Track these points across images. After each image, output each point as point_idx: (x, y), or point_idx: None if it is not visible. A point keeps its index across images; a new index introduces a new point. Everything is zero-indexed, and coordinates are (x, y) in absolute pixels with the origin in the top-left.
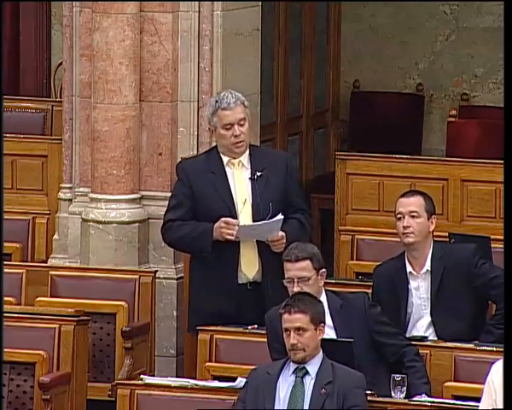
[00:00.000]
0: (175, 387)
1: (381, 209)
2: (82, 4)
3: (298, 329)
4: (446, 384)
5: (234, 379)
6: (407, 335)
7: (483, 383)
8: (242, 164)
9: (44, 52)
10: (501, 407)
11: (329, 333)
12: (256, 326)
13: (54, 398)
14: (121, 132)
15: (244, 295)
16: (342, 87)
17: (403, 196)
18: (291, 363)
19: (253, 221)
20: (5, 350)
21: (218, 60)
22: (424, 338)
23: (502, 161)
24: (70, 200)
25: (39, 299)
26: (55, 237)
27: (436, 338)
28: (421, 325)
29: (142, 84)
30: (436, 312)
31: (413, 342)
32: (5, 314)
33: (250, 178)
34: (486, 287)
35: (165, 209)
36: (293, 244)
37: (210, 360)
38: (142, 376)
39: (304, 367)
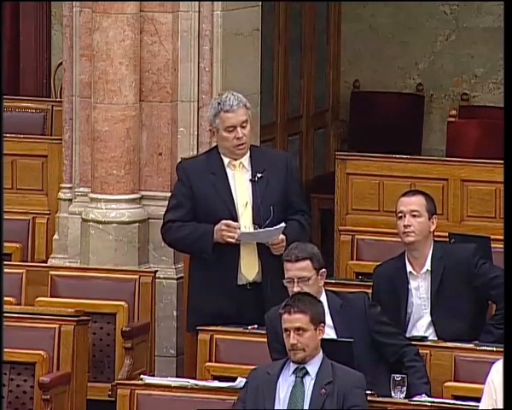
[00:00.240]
0: (175, 387)
1: (381, 209)
2: (82, 4)
3: (298, 329)
4: (446, 384)
5: (234, 379)
6: (407, 335)
7: (483, 383)
8: (243, 165)
9: (44, 52)
10: (501, 407)
11: (329, 333)
12: (256, 326)
13: (54, 398)
14: (121, 132)
15: (244, 296)
16: (342, 87)
17: (404, 195)
18: (291, 363)
19: (254, 223)
20: (5, 350)
21: (218, 60)
22: (424, 338)
23: (502, 161)
24: (70, 200)
25: (39, 299)
26: (55, 237)
27: (436, 338)
28: (421, 324)
29: (142, 84)
30: (436, 312)
31: (413, 342)
32: (5, 314)
33: (251, 180)
34: (486, 287)
35: (165, 209)
36: (293, 244)
37: (210, 360)
38: (142, 376)
39: (304, 367)
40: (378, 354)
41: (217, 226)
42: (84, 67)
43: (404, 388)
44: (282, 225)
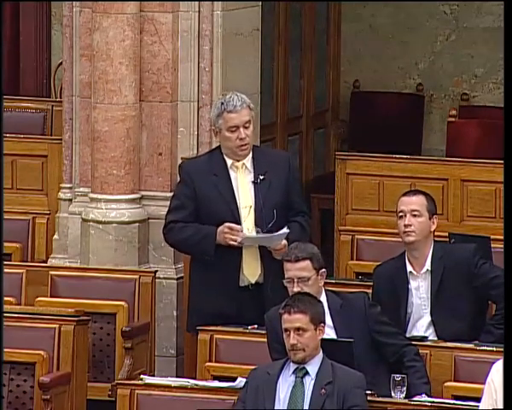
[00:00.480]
0: (175, 387)
1: (381, 209)
2: (82, 4)
3: (298, 329)
4: (446, 384)
5: (234, 379)
6: (407, 335)
7: (483, 383)
8: (246, 167)
9: (44, 52)
10: (501, 406)
11: (329, 333)
12: (256, 326)
13: (54, 398)
14: (121, 132)
15: (245, 297)
16: (342, 87)
17: (405, 194)
18: (291, 363)
19: (256, 226)
20: (5, 350)
21: (218, 60)
22: (424, 338)
23: (502, 161)
24: (70, 200)
25: (39, 299)
26: (55, 237)
27: (436, 338)
28: (421, 324)
29: (142, 84)
30: (436, 312)
31: (413, 342)
32: (5, 314)
33: (253, 182)
34: (486, 287)
35: (165, 209)
36: (293, 244)
37: (210, 360)
38: (142, 376)
39: (304, 367)
40: (378, 354)
41: (219, 229)
42: (84, 67)
43: (404, 388)
44: (286, 230)
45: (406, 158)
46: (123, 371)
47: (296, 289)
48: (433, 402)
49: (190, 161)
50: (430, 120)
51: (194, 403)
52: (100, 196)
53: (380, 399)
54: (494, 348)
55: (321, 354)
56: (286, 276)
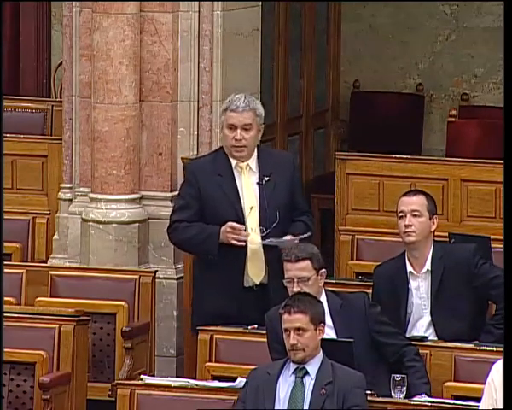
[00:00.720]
0: (175, 387)
1: (381, 209)
2: (82, 4)
3: (298, 329)
4: (446, 384)
5: (234, 379)
6: (407, 335)
7: (483, 383)
8: (250, 168)
9: (44, 52)
10: (501, 406)
11: (329, 333)
12: (256, 326)
13: (54, 398)
14: (121, 132)
15: (249, 297)
16: (342, 87)
17: (405, 194)
18: (291, 363)
19: (260, 226)
20: (5, 350)
21: (218, 60)
22: (424, 338)
23: (502, 161)
24: (70, 200)
25: (39, 299)
26: (55, 237)
27: (436, 338)
28: (421, 324)
29: (142, 84)
30: (436, 312)
31: (413, 342)
32: (5, 314)
33: (258, 183)
34: (486, 287)
35: (165, 209)
36: (293, 244)
37: (210, 360)
38: (142, 376)
39: (304, 367)
40: (378, 354)
41: (222, 228)
42: (84, 67)
43: (404, 388)
44: (309, 234)
45: (406, 158)
46: (123, 371)
47: (296, 289)
48: (433, 402)
49: (195, 161)
50: (430, 120)
51: (194, 403)
52: (100, 196)
53: (380, 399)
54: (494, 348)
55: (321, 354)
56: (286, 276)
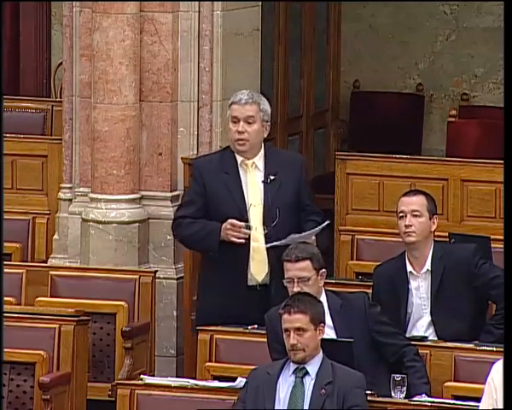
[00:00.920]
0: (175, 387)
1: (381, 209)
2: (82, 4)
3: (298, 329)
4: (446, 384)
5: (234, 379)
6: (407, 335)
7: (483, 383)
8: (256, 166)
9: (44, 52)
10: (501, 406)
11: (329, 333)
12: (256, 326)
13: (54, 398)
14: (121, 132)
15: (253, 297)
16: (342, 87)
17: (405, 194)
18: (291, 363)
19: (264, 225)
20: (5, 350)
21: (218, 60)
22: (424, 338)
23: (502, 161)
24: (70, 200)
25: (39, 299)
26: (55, 237)
27: (436, 338)
28: (421, 324)
29: (142, 84)
30: (436, 312)
31: (413, 342)
32: (5, 314)
33: (263, 181)
34: (486, 287)
35: (165, 209)
36: (293, 244)
37: (210, 360)
38: (142, 376)
39: (304, 367)
40: (378, 354)
41: (223, 225)
42: (84, 67)
43: (404, 388)
44: (325, 223)
45: (406, 158)
46: (123, 371)
47: (296, 290)
48: (433, 402)
49: (202, 159)
50: (430, 120)
51: (194, 403)
52: (100, 196)
53: (380, 399)
54: (494, 348)
55: (321, 354)
56: (286, 276)
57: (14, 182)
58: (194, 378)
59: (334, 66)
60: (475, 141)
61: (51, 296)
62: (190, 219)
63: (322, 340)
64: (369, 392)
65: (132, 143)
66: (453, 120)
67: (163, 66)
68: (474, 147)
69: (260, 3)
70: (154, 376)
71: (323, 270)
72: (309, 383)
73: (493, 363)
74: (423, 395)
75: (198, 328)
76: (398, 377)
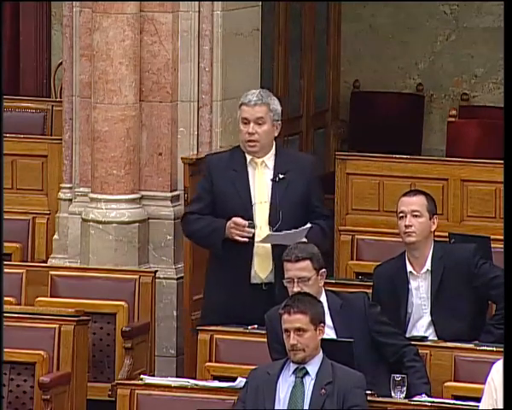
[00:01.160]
0: (175, 387)
1: (381, 209)
2: (82, 4)
3: (298, 329)
4: (446, 384)
5: (234, 379)
6: (407, 335)
7: (483, 383)
8: (265, 164)
9: (44, 52)
10: (501, 406)
11: (329, 333)
12: (256, 326)
13: (54, 398)
14: (121, 132)
15: (257, 296)
16: (342, 87)
17: (405, 195)
18: (291, 363)
19: (270, 224)
20: (5, 350)
21: (218, 60)
22: (424, 338)
23: (502, 161)
24: (70, 200)
25: (39, 299)
26: (55, 237)
27: (436, 338)
28: (421, 324)
29: (142, 84)
30: (436, 312)
31: (413, 342)
32: (5, 314)
33: (272, 180)
34: (486, 287)
35: (165, 209)
36: (293, 244)
37: (210, 360)
38: (142, 376)
39: (304, 367)
40: (378, 354)
41: (227, 223)
42: (84, 67)
43: (404, 388)
44: (308, 225)
45: (406, 158)
46: (123, 371)
47: (296, 290)
48: (433, 402)
49: (213, 156)
50: (430, 120)
51: (194, 403)
52: (100, 196)
53: (380, 399)
54: (494, 348)
55: (321, 354)
56: (286, 276)
57: (14, 182)
58: (194, 378)
59: (334, 66)
60: (475, 141)
61: (51, 296)
62: (197, 215)
63: (322, 340)
64: (369, 392)
65: (132, 143)
66: (453, 120)
67: (163, 66)
68: (474, 147)
69: (260, 3)
70: (154, 376)
71: (323, 270)
72: (309, 383)
73: (493, 363)
74: (423, 395)
75: (198, 328)
76: (398, 377)
